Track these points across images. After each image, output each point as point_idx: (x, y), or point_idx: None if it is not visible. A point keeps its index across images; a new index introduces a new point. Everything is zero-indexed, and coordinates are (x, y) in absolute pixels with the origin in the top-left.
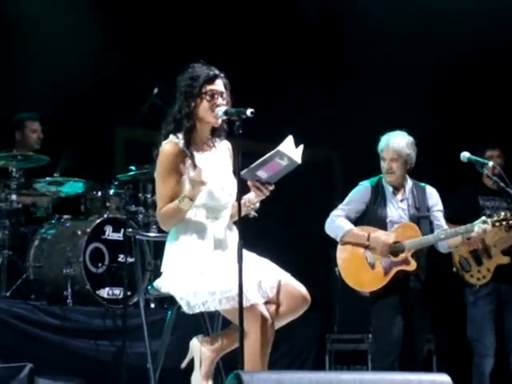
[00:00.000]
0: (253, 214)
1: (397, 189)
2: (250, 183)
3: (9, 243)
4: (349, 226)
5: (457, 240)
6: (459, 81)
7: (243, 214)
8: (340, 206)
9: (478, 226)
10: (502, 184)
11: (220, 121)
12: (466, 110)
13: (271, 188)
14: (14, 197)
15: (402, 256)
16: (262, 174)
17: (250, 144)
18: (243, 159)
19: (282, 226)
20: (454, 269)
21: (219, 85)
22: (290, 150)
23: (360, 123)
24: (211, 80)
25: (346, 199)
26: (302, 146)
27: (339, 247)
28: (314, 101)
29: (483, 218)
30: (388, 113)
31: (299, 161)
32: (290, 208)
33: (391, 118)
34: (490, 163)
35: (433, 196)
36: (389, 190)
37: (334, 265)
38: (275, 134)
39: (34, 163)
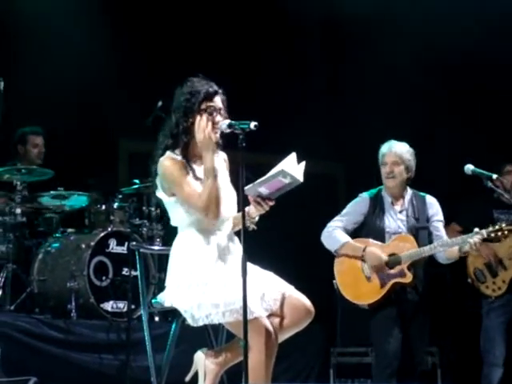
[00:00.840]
0: (252, 227)
1: (396, 199)
2: (250, 198)
3: (13, 257)
4: (345, 238)
5: (455, 252)
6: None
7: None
8: (337, 218)
9: (471, 237)
10: (506, 196)
11: (218, 136)
12: (476, 121)
13: (271, 204)
14: (18, 210)
15: (398, 268)
16: (264, 190)
17: (251, 156)
18: (245, 171)
19: (285, 239)
20: (469, 280)
21: (218, 101)
22: (293, 168)
23: (364, 136)
24: (210, 96)
25: (344, 210)
26: (303, 164)
27: (336, 260)
28: (317, 113)
29: (476, 229)
30: (392, 126)
31: (301, 179)
32: (293, 220)
33: (395, 131)
34: (494, 176)
35: (433, 206)
36: (388, 200)
37: (332, 278)
38: (278, 146)
39: (38, 177)
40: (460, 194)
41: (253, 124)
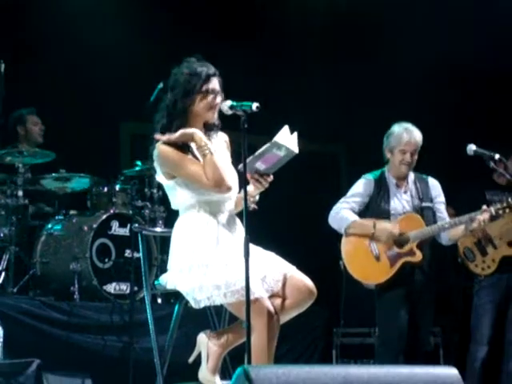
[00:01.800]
0: (253, 206)
1: (400, 181)
2: (248, 176)
3: (15, 239)
4: (353, 216)
5: (459, 231)
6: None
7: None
8: (343, 199)
9: (480, 214)
10: (508, 177)
11: (216, 117)
12: (477, 104)
13: (270, 179)
14: (20, 193)
15: (407, 247)
16: (260, 165)
17: (253, 137)
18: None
19: (287, 220)
20: (459, 259)
21: (216, 83)
22: (287, 140)
23: (365, 117)
24: (209, 78)
25: (350, 192)
26: (295, 134)
27: (343, 239)
28: (319, 94)
29: (484, 206)
30: (392, 107)
31: (296, 150)
32: (295, 202)
33: (395, 112)
34: (497, 155)
35: (435, 187)
36: (392, 182)
37: (335, 258)
38: (280, 127)
39: (40, 159)
40: (452, 178)
41: (255, 105)
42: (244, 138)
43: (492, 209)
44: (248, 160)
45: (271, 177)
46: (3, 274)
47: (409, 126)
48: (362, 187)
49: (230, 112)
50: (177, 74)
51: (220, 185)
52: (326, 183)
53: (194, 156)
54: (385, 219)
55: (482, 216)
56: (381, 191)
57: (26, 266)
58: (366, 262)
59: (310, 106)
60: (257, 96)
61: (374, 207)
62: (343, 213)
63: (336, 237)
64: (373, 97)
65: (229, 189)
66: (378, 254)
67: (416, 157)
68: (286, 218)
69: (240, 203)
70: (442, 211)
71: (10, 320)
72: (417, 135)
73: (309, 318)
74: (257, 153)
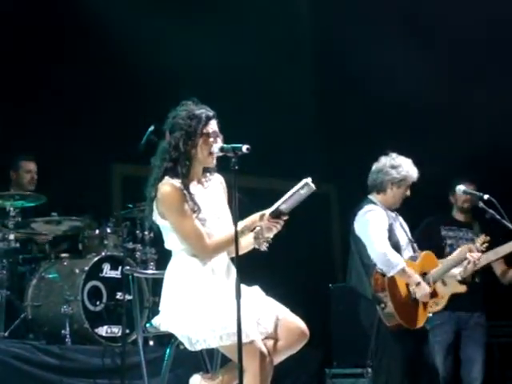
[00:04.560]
0: (264, 247)
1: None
2: (265, 220)
3: (6, 283)
4: (402, 262)
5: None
6: None
7: (255, 247)
8: (376, 236)
9: (471, 255)
10: (497, 216)
11: (215, 161)
12: None
13: (286, 218)
14: (11, 236)
15: (431, 288)
16: (284, 207)
17: (243, 178)
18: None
19: (280, 260)
20: None
21: (214, 125)
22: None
23: (354, 156)
24: (209, 120)
25: (376, 228)
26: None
27: (387, 282)
28: (309, 137)
29: (470, 245)
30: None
31: (314, 187)
32: (287, 242)
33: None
34: (486, 196)
35: (404, 222)
36: (391, 214)
37: (379, 299)
38: (270, 168)
39: (31, 202)
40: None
41: (245, 147)
42: (235, 179)
43: (477, 245)
44: (277, 205)
45: (287, 216)
46: None
47: (409, 160)
48: (381, 219)
49: (220, 154)
50: (175, 117)
51: (206, 257)
52: (318, 225)
53: (194, 202)
54: (397, 252)
55: (473, 256)
56: (389, 223)
57: (17, 309)
58: (408, 306)
59: (301, 147)
60: (246, 137)
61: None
62: (391, 256)
63: (327, 278)
64: (359, 134)
65: (209, 260)
66: (415, 296)
67: None
68: (277, 259)
69: (248, 243)
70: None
71: (1, 364)
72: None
73: (302, 359)
74: (286, 196)
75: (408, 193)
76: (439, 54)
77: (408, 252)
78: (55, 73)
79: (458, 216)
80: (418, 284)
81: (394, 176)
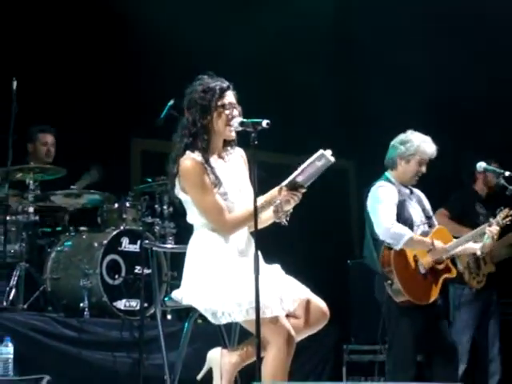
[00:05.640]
0: (284, 221)
1: (410, 189)
2: (285, 192)
3: (26, 256)
4: (409, 232)
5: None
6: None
7: (275, 221)
8: (382, 211)
9: (490, 229)
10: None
11: (234, 133)
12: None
13: (304, 191)
14: (31, 209)
15: (444, 263)
16: (300, 178)
17: (262, 154)
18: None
19: (298, 237)
20: (461, 268)
21: (231, 96)
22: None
23: (373, 133)
24: (224, 92)
25: (383, 204)
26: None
27: (392, 255)
28: (328, 111)
29: (491, 219)
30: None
31: (333, 159)
32: (305, 219)
33: (402, 128)
34: (507, 173)
35: (426, 199)
36: (405, 190)
37: (387, 276)
38: (290, 145)
39: (51, 175)
40: (449, 183)
41: (265, 122)
42: (254, 154)
43: (499, 220)
44: (295, 174)
45: (305, 188)
46: (14, 290)
47: (427, 137)
48: (390, 195)
49: (239, 128)
50: (191, 92)
51: (226, 232)
52: (336, 201)
53: (215, 176)
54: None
55: (492, 229)
56: (401, 200)
57: (37, 282)
58: (416, 281)
59: (320, 123)
60: (267, 114)
61: (399, 217)
62: (396, 228)
63: (346, 254)
64: (381, 115)
65: (229, 235)
66: (424, 271)
67: None
68: (295, 236)
69: (268, 217)
70: (436, 223)
71: (20, 336)
72: (434, 148)
73: (319, 335)
74: (302, 167)
75: (423, 169)
76: (468, 54)
77: (423, 229)
78: (76, 48)
79: (481, 191)
80: (433, 245)
81: (403, 151)
